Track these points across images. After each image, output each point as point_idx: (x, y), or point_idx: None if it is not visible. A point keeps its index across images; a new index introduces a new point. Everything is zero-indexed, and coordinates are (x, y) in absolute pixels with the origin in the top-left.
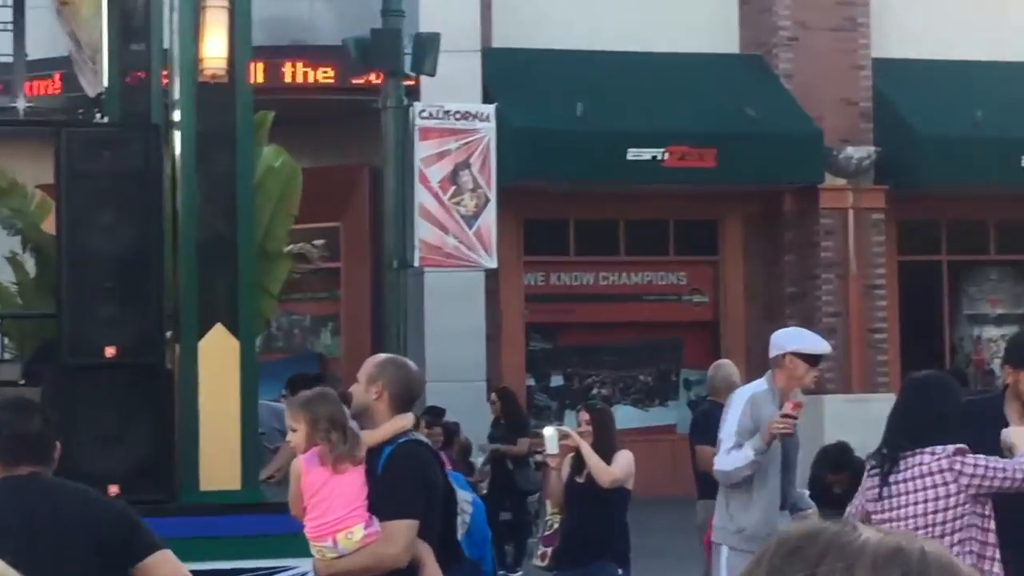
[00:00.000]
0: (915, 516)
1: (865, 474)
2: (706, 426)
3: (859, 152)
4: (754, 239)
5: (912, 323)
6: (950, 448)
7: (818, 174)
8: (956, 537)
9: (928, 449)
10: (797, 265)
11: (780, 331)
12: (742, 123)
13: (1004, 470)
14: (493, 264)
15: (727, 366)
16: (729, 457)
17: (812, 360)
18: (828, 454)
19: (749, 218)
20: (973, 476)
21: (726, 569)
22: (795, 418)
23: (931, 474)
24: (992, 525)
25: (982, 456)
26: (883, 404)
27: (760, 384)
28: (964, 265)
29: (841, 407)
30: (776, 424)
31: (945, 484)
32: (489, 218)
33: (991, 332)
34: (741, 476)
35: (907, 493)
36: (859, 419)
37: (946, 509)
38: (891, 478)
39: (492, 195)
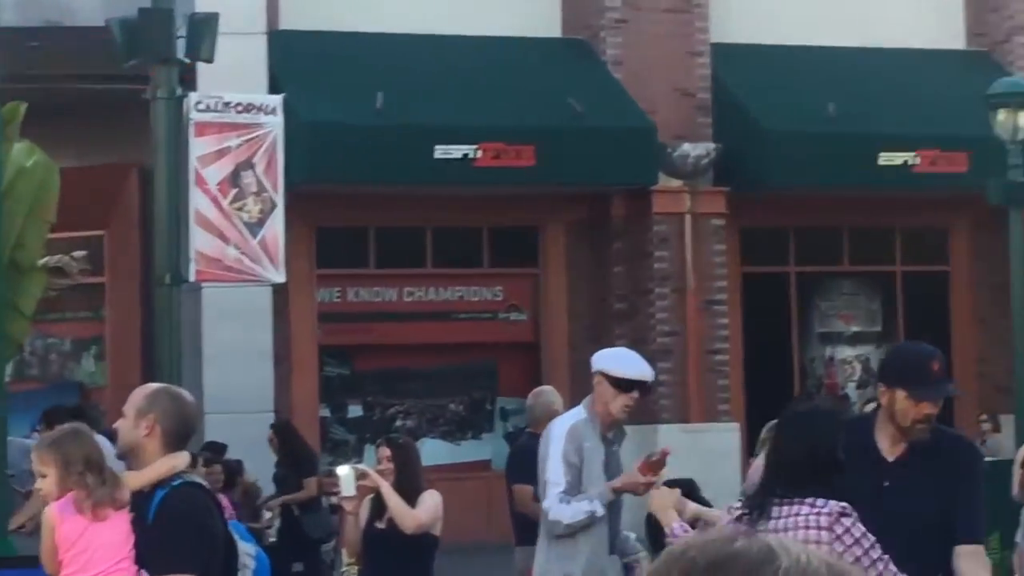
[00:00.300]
0: None
1: (725, 513)
2: (525, 462)
3: (696, 149)
4: (579, 248)
5: (757, 343)
6: (834, 505)
7: (651, 174)
8: None
9: (808, 500)
10: (627, 278)
11: (603, 350)
12: (565, 117)
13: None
14: (281, 278)
15: (548, 393)
16: (569, 508)
17: (622, 385)
18: None
19: (573, 225)
20: (847, 549)
21: None
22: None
23: (806, 528)
24: None
25: (870, 539)
26: (724, 435)
27: (579, 412)
28: (814, 277)
29: (678, 437)
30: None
31: (819, 543)
32: (276, 226)
33: (845, 352)
34: (579, 528)
35: None
36: (697, 451)
37: None
38: (760, 526)
39: (279, 199)
